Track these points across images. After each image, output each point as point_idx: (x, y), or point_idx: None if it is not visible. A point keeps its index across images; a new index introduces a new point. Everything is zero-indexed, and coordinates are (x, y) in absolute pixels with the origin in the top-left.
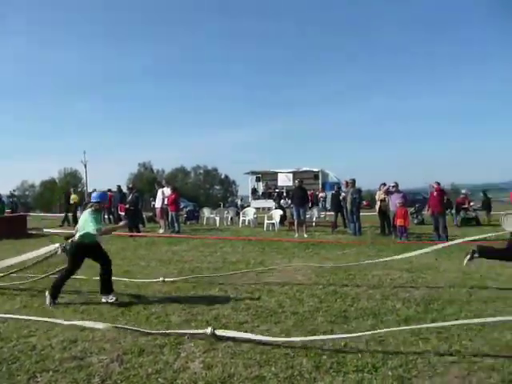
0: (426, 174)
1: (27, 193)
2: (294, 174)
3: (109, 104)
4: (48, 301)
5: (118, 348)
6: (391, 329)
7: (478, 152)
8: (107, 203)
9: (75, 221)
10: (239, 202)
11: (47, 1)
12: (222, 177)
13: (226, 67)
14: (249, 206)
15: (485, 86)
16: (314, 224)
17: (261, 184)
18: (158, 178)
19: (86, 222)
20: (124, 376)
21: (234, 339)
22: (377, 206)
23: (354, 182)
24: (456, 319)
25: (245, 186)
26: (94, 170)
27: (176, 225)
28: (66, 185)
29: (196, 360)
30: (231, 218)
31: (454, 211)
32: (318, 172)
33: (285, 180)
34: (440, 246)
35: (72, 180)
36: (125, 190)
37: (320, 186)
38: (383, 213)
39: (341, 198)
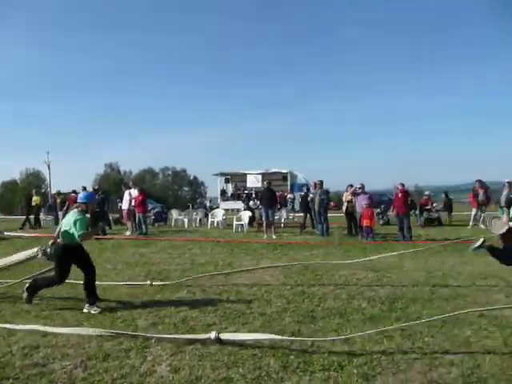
0: (392, 175)
1: None
2: (263, 175)
3: (73, 103)
4: (25, 296)
5: (81, 353)
6: (386, 328)
7: (441, 154)
8: (95, 204)
9: (37, 223)
10: (208, 204)
11: None
12: (191, 178)
13: (191, 67)
14: (218, 207)
15: (445, 87)
16: (282, 225)
17: (230, 185)
18: (125, 179)
19: (71, 224)
20: (88, 382)
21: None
22: (344, 207)
23: (321, 183)
24: (418, 317)
25: (214, 187)
26: (58, 170)
27: (143, 227)
28: (27, 186)
29: (163, 363)
30: (200, 220)
31: (417, 212)
32: (287, 173)
33: (254, 181)
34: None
35: (35, 181)
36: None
37: (289, 187)
38: (350, 214)
39: (309, 199)
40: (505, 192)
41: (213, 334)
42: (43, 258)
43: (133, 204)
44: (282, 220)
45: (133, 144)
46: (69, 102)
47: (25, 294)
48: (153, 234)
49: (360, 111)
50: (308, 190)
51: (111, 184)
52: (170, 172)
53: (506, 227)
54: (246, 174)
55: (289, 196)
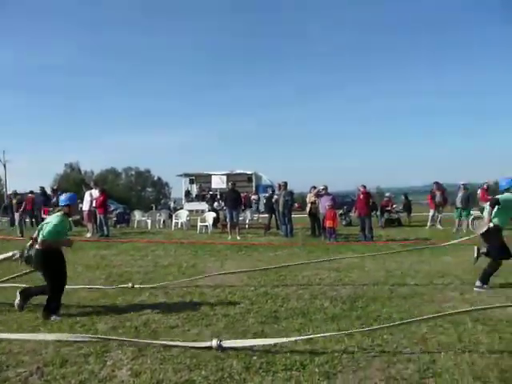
0: (356, 177)
1: None
2: (228, 176)
3: (32, 100)
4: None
5: (38, 360)
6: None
7: (401, 157)
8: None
9: None
10: (172, 205)
11: None
12: (155, 179)
13: (156, 67)
14: (182, 208)
15: (406, 87)
16: (246, 226)
17: (194, 186)
18: (86, 179)
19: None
20: None
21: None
22: (307, 209)
23: (285, 184)
24: (378, 315)
25: (178, 188)
26: (17, 170)
27: (105, 228)
28: None
29: (123, 368)
30: (163, 221)
31: (378, 213)
32: (252, 174)
33: (218, 182)
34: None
35: None
36: (49, 191)
37: (253, 188)
38: (313, 215)
39: (273, 200)
40: (460, 194)
41: (214, 342)
42: (20, 260)
43: (94, 205)
44: (247, 221)
45: (95, 144)
46: (30, 100)
47: (16, 303)
48: (114, 235)
49: (325, 112)
50: (273, 191)
51: (71, 184)
52: (133, 172)
53: (486, 227)
54: (210, 175)
55: (253, 197)
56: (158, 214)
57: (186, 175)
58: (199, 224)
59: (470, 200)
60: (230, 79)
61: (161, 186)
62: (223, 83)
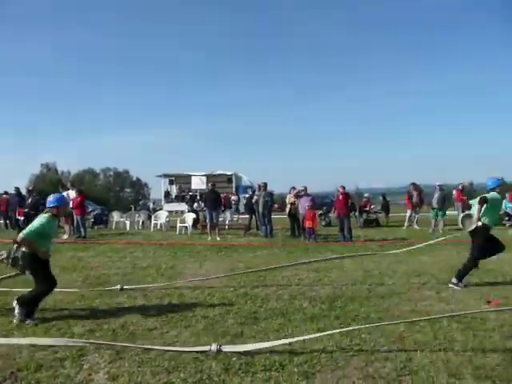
0: (335, 178)
1: None
2: (208, 177)
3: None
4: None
5: (11, 365)
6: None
7: (380, 158)
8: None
9: None
10: (151, 206)
11: None
12: (134, 179)
13: (134, 66)
14: (161, 209)
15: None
16: (226, 227)
17: (174, 187)
18: (63, 179)
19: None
20: None
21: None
22: (287, 209)
23: (265, 185)
24: (357, 315)
25: (157, 188)
26: None
27: (82, 230)
28: None
29: (100, 371)
30: (142, 222)
31: (357, 213)
32: (232, 175)
33: (198, 183)
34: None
35: None
36: (24, 192)
37: (233, 189)
38: (293, 215)
39: (253, 201)
40: (436, 195)
41: (213, 346)
42: (6, 261)
43: (71, 206)
44: (227, 222)
45: (72, 144)
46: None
47: (17, 312)
48: (92, 237)
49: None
50: (254, 191)
51: (47, 185)
52: (111, 173)
53: (474, 226)
54: (190, 176)
55: (233, 198)
56: (137, 215)
57: (166, 176)
58: (179, 225)
59: (446, 200)
60: (219, 79)
61: (140, 187)
62: (212, 83)
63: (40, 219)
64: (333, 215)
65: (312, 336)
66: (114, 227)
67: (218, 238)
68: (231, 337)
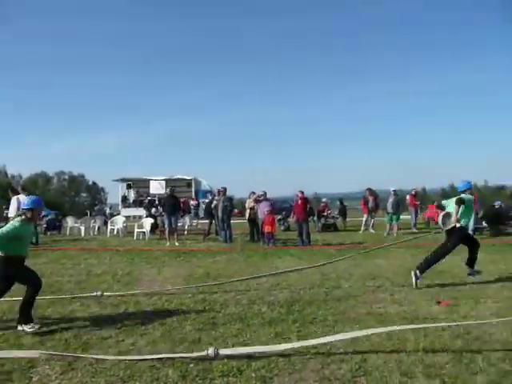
0: (295, 183)
1: None
2: (167, 181)
3: None
4: None
5: None
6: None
7: (337, 164)
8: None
9: None
10: (108, 211)
11: None
12: (90, 183)
13: (91, 66)
14: (118, 214)
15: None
16: (185, 232)
17: (132, 191)
18: (14, 183)
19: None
20: None
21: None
22: (246, 214)
23: (225, 190)
24: (314, 318)
25: (115, 193)
26: None
27: (33, 236)
28: None
29: (51, 383)
30: (98, 228)
31: (315, 218)
32: (191, 180)
33: (157, 187)
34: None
35: None
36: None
37: (193, 193)
38: (252, 220)
39: (212, 205)
40: (391, 199)
41: (211, 350)
42: None
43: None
44: (186, 227)
45: (22, 146)
46: None
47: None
48: (45, 243)
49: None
50: (213, 196)
51: None
52: (66, 177)
53: (452, 225)
54: (149, 180)
55: (192, 203)
56: (93, 221)
57: (123, 180)
58: (136, 230)
59: (400, 205)
60: (176, 81)
61: (96, 192)
62: (172, 85)
63: (13, 222)
64: (292, 220)
65: (313, 340)
66: (68, 233)
67: (177, 244)
68: (189, 343)
